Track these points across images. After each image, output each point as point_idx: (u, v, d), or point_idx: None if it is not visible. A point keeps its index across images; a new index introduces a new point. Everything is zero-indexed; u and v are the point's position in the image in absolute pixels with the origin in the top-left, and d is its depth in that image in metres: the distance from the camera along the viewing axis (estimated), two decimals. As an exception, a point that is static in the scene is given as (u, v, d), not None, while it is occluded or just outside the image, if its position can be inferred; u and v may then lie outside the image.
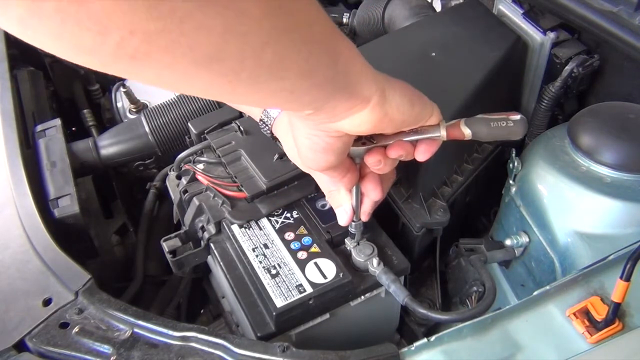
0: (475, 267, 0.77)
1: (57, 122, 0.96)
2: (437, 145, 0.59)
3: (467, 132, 0.57)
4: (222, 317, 0.91)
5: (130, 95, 1.17)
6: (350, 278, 0.68)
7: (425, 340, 0.57)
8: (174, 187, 0.86)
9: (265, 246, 0.72)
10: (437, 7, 1.12)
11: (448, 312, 0.68)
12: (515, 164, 0.79)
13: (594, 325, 0.55)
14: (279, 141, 0.67)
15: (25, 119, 0.98)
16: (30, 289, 0.68)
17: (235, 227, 0.75)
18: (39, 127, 0.95)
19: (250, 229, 0.74)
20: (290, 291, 0.67)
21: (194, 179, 0.81)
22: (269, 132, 0.66)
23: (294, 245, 0.72)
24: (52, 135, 0.93)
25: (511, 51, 0.88)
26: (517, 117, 0.57)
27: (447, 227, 0.79)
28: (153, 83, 0.38)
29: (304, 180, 0.78)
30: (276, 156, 0.78)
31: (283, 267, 0.69)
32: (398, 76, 0.53)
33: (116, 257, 1.00)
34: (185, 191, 0.80)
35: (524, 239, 0.79)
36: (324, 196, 0.77)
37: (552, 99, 0.91)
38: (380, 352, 0.58)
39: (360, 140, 0.58)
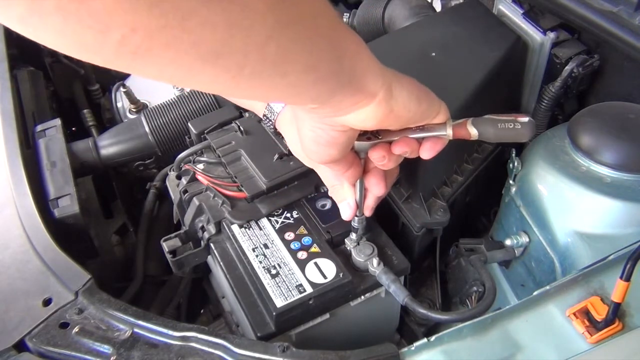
0: (475, 267, 0.77)
1: (57, 122, 0.96)
2: (443, 143, 0.58)
3: (473, 132, 0.56)
4: (222, 317, 0.91)
5: (130, 95, 1.17)
6: (350, 278, 0.68)
7: (425, 340, 0.57)
8: (174, 187, 0.86)
9: (265, 246, 0.72)
10: (437, 7, 1.12)
11: (448, 312, 0.68)
12: (515, 164, 0.79)
13: (594, 325, 0.55)
14: (282, 137, 0.67)
15: (25, 119, 0.98)
16: (30, 289, 0.68)
17: (235, 227, 0.75)
18: (39, 127, 0.95)
19: (250, 229, 0.74)
20: (290, 291, 0.67)
21: (194, 179, 0.81)
22: (272, 127, 0.66)
23: (294, 245, 0.72)
24: (52, 135, 0.93)
25: (511, 51, 0.88)
26: (526, 119, 0.56)
27: (447, 227, 0.79)
28: (156, 78, 0.38)
29: (304, 180, 0.78)
30: (276, 156, 0.78)
31: (283, 267, 0.69)
32: (398, 76, 0.53)
33: (116, 257, 1.00)
34: (185, 191, 0.80)
35: (524, 239, 0.79)
36: (324, 196, 0.78)
37: (552, 99, 0.91)
38: (380, 352, 0.58)
39: (365, 135, 0.58)
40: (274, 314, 0.65)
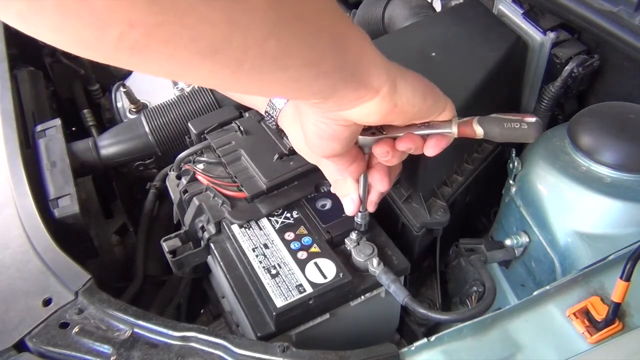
0: (475, 267, 0.77)
1: (57, 122, 0.96)
2: (448, 141, 0.58)
3: (479, 131, 0.56)
4: (222, 317, 0.91)
5: (130, 95, 1.17)
6: (350, 278, 0.68)
7: (425, 340, 0.57)
8: (174, 187, 0.86)
9: (265, 246, 0.72)
10: (437, 7, 1.12)
11: (448, 312, 0.68)
12: (515, 164, 0.79)
13: (594, 325, 0.55)
14: (284, 133, 0.67)
15: (25, 119, 0.98)
16: (30, 289, 0.68)
17: (235, 227, 0.75)
18: (39, 127, 0.95)
19: (250, 229, 0.74)
20: (290, 291, 0.67)
21: (194, 179, 0.81)
22: (274, 123, 0.66)
23: (294, 245, 0.72)
24: (52, 135, 0.93)
25: (511, 51, 0.88)
26: (533, 119, 0.55)
27: (447, 227, 0.79)
28: (155, 73, 0.38)
29: (304, 180, 0.78)
30: (276, 156, 0.78)
31: (283, 267, 0.69)
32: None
33: (116, 257, 1.00)
34: (185, 191, 0.80)
35: (524, 239, 0.79)
36: (324, 196, 0.78)
37: (552, 99, 0.91)
38: (380, 352, 0.58)
39: (369, 130, 0.58)
40: (274, 314, 0.65)
